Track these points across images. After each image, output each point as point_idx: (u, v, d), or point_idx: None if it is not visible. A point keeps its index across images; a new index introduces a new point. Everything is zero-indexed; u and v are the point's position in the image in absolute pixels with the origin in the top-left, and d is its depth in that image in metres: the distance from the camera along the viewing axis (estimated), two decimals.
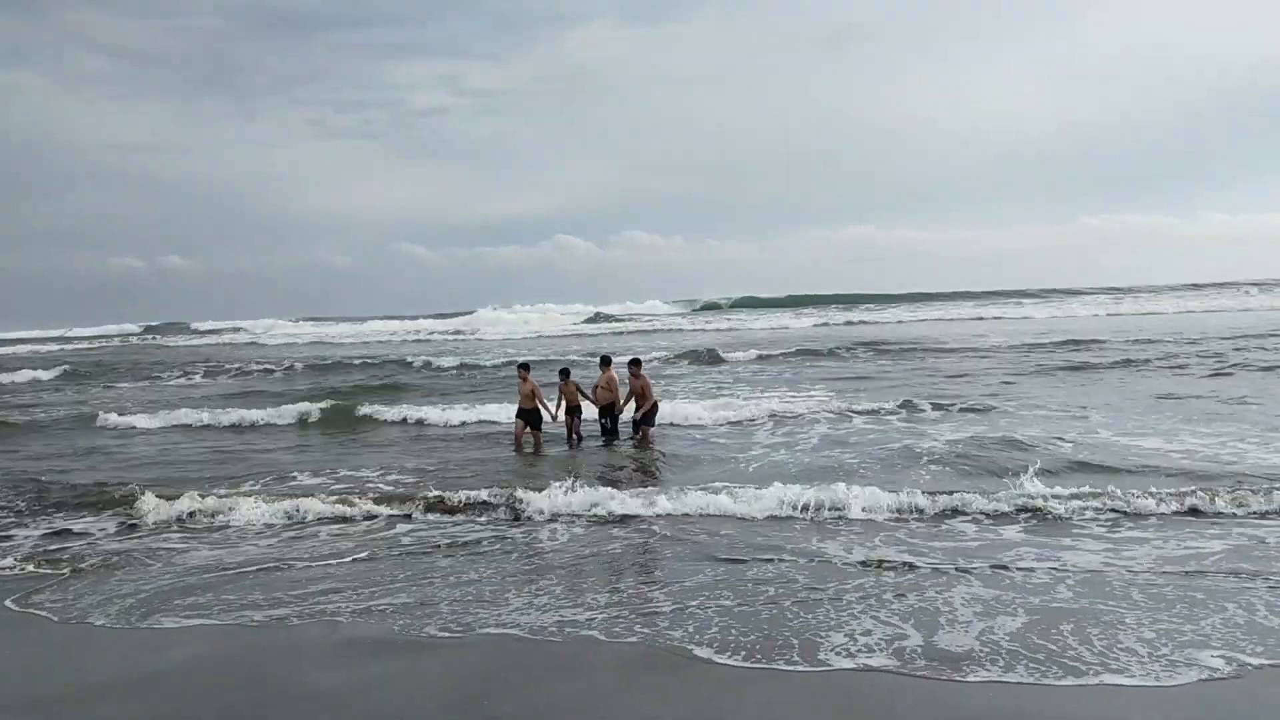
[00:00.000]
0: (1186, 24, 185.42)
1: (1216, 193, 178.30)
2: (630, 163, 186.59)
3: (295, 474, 12.83)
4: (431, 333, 59.51)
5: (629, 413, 14.54)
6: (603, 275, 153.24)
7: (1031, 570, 7.31)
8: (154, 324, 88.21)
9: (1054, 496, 9.23)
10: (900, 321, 53.35)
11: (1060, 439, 12.80)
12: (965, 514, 9.10)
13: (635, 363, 14.65)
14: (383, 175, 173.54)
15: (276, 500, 10.54)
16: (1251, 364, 21.89)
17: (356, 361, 34.57)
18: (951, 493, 9.57)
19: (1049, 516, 8.89)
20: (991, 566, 7.43)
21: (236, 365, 34.83)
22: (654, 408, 14.42)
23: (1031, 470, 9.88)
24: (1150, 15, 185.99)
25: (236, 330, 73.41)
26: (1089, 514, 8.88)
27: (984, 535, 8.49)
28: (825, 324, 53.30)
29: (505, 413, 17.10)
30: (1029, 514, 8.99)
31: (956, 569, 7.38)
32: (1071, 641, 5.78)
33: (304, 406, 19.32)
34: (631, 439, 14.26)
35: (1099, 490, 9.35)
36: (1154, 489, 9.28)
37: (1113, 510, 8.92)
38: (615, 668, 5.66)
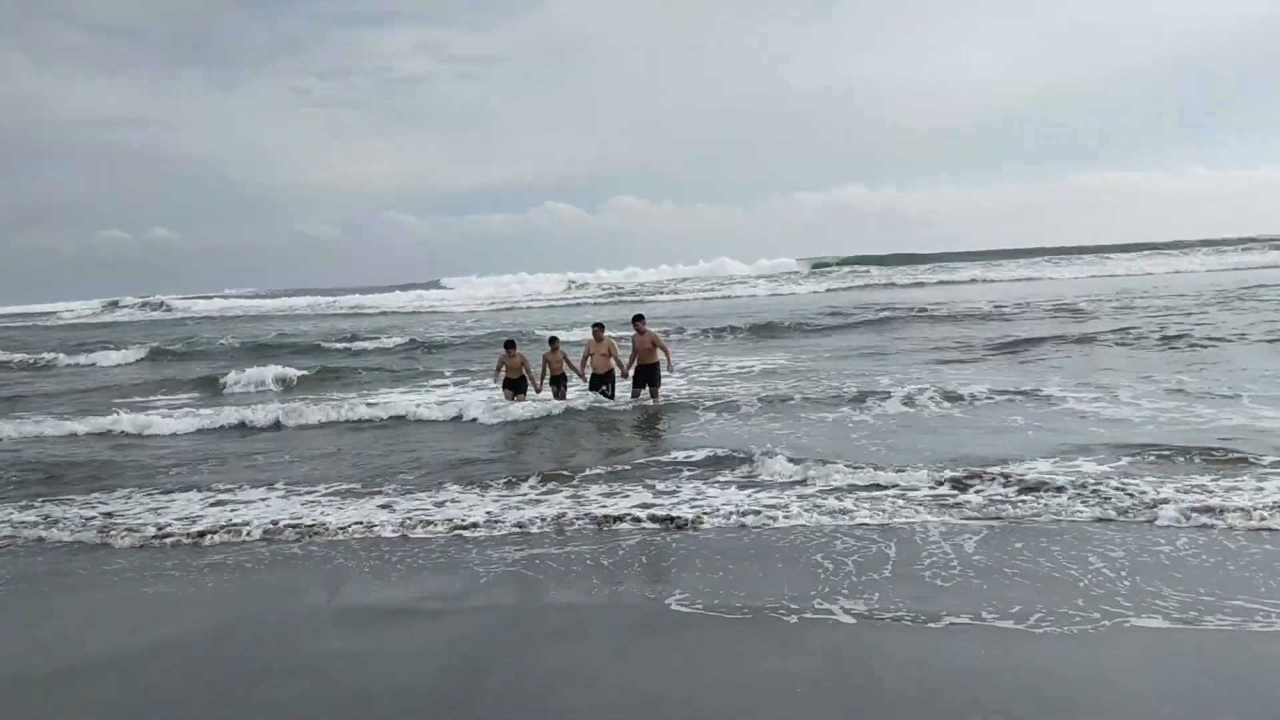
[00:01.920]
0: None
1: (1203, 149, 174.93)
2: (617, 129, 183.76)
3: None
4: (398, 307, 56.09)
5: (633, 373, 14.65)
6: (592, 241, 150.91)
7: None
8: (117, 299, 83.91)
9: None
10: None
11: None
12: None
13: (639, 318, 14.81)
14: (368, 145, 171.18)
15: None
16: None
17: (234, 344, 31.54)
18: None
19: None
20: None
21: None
22: (649, 368, 14.51)
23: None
24: None
25: (160, 306, 69.63)
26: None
27: None
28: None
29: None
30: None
31: None
32: None
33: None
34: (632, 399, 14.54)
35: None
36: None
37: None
38: (608, 631, 5.71)
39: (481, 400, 15.28)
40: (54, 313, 73.22)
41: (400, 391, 18.71)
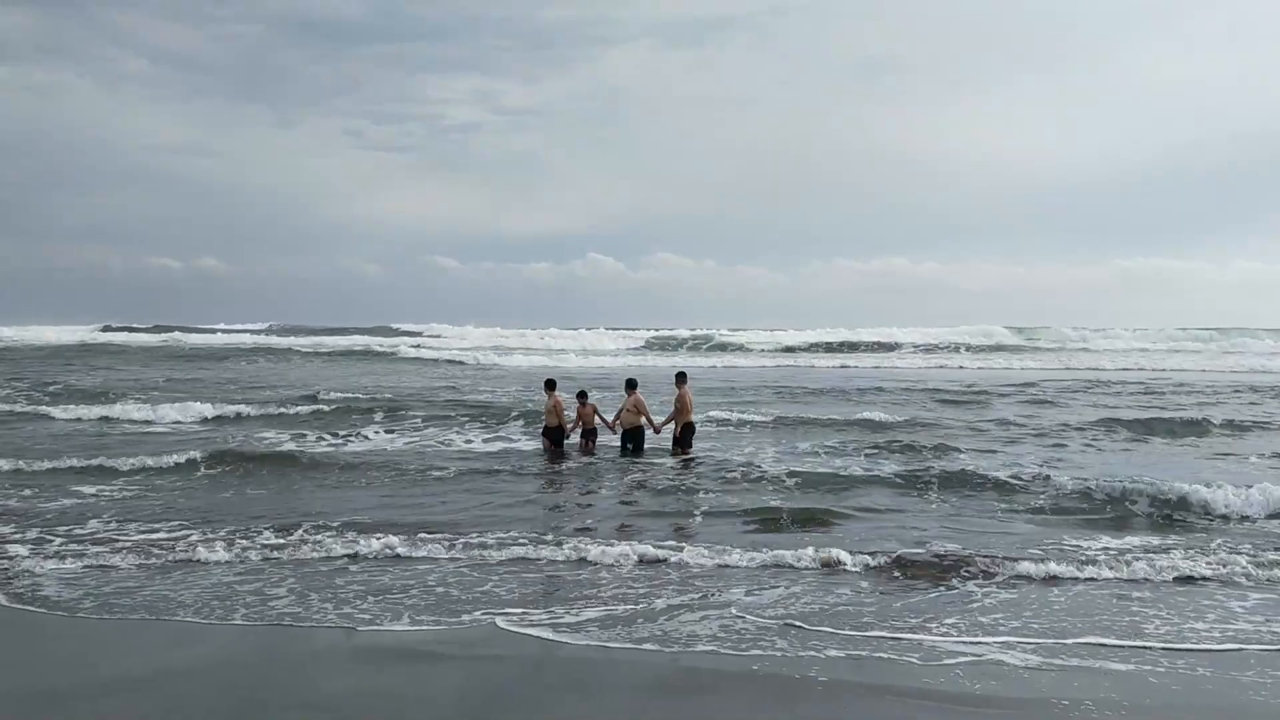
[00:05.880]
0: (1225, 67, 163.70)
1: (1251, 240, 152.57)
2: (661, 185, 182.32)
3: None
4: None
5: (669, 430, 14.83)
6: (630, 296, 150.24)
7: None
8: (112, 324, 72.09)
9: None
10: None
11: None
12: None
13: (681, 376, 15.11)
14: (417, 188, 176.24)
15: None
16: None
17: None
18: None
19: None
20: None
21: None
22: (690, 426, 14.76)
23: None
24: (1189, 56, 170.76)
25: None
26: None
27: None
28: None
29: None
30: None
31: None
32: None
33: None
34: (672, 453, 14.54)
35: None
36: None
37: None
38: (626, 686, 5.71)
39: None
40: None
41: None
